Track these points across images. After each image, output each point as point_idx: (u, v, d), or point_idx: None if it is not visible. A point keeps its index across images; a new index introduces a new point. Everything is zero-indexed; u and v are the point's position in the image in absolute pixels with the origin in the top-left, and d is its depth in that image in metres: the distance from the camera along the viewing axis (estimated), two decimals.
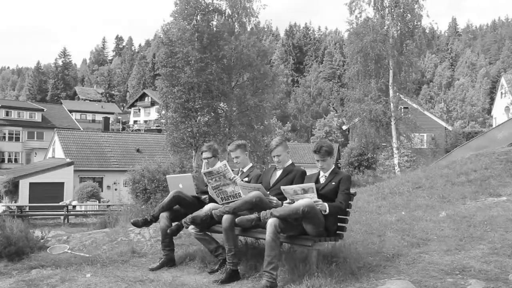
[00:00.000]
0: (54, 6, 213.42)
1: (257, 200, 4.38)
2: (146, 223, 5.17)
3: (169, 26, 23.79)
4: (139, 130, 68.94)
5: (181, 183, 5.35)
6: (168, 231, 5.02)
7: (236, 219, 4.28)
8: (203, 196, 5.33)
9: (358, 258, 4.51)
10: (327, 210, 4.21)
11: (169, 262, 5.11)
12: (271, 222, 4.10)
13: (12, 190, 30.48)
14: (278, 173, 4.95)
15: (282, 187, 4.36)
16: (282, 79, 57.92)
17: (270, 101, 25.33)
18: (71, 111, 65.36)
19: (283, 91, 68.87)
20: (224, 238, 4.48)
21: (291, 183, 4.72)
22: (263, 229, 4.19)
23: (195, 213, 4.85)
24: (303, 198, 4.19)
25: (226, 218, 4.43)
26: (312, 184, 4.23)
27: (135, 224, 5.17)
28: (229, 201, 4.85)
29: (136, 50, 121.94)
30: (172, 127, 23.32)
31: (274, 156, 4.93)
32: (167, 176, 5.82)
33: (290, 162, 4.99)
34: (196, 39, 22.68)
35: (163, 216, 5.14)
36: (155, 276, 4.64)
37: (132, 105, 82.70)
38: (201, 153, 5.74)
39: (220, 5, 24.47)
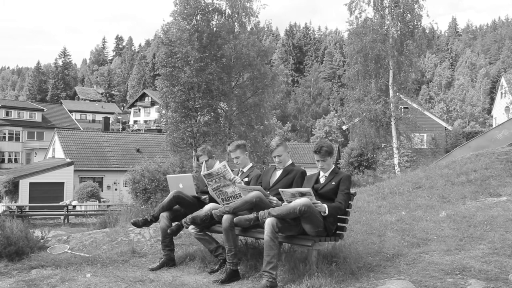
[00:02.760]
0: (54, 6, 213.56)
1: (257, 200, 4.38)
2: (146, 223, 5.17)
3: (169, 26, 23.82)
4: (139, 130, 68.92)
5: (181, 183, 5.35)
6: (168, 231, 5.02)
7: (234, 219, 4.28)
8: (203, 196, 5.33)
9: (358, 258, 4.51)
10: (326, 211, 4.20)
11: (169, 262, 5.11)
12: (268, 222, 4.10)
13: (12, 190, 30.47)
14: (278, 173, 4.95)
15: (280, 190, 4.36)
16: (282, 79, 57.94)
17: (270, 101, 25.36)
18: (71, 111, 65.38)
19: (283, 91, 68.90)
20: (224, 238, 4.48)
21: (291, 183, 4.72)
22: (262, 229, 4.20)
23: (195, 213, 4.86)
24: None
25: (225, 218, 4.43)
26: (310, 189, 4.22)
27: (135, 224, 5.17)
28: (229, 201, 4.86)
29: (136, 50, 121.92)
30: (172, 127, 23.34)
31: (274, 157, 4.93)
32: (167, 176, 5.82)
33: (290, 162, 5.00)
34: (196, 39, 22.71)
35: (163, 216, 5.15)
36: (155, 276, 4.64)
37: (132, 105, 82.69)
38: (197, 159, 5.74)
39: (220, 5, 24.51)
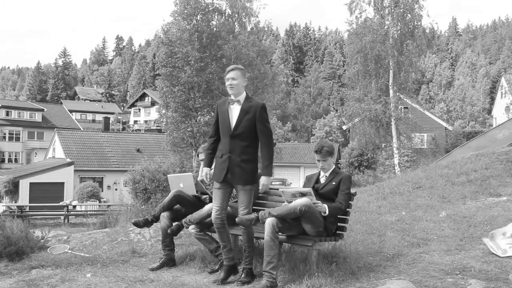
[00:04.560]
0: (54, 6, 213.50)
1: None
2: (147, 223, 5.18)
3: (169, 26, 23.83)
4: (139, 130, 68.88)
5: (182, 183, 5.36)
6: (169, 231, 5.02)
7: (236, 219, 4.29)
8: (203, 196, 5.34)
9: (358, 258, 4.51)
10: (327, 212, 4.20)
11: (170, 262, 5.11)
12: (269, 222, 4.10)
13: (12, 190, 30.48)
14: (236, 110, 4.32)
15: (280, 190, 4.37)
16: (282, 79, 57.87)
17: (270, 101, 25.36)
18: (71, 111, 65.39)
19: (283, 91, 68.86)
20: (218, 236, 4.49)
21: (254, 122, 4.29)
22: (263, 228, 4.20)
23: (195, 213, 4.87)
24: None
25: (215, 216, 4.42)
26: (310, 189, 4.23)
27: (136, 224, 5.18)
28: (231, 201, 4.88)
29: (136, 50, 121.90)
30: (172, 127, 23.36)
31: (228, 79, 4.29)
32: (168, 175, 5.83)
33: (244, 94, 4.33)
34: (196, 39, 22.71)
35: (164, 215, 5.15)
36: (155, 276, 4.64)
37: (132, 105, 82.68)
38: (197, 155, 5.74)
39: (220, 5, 24.53)
